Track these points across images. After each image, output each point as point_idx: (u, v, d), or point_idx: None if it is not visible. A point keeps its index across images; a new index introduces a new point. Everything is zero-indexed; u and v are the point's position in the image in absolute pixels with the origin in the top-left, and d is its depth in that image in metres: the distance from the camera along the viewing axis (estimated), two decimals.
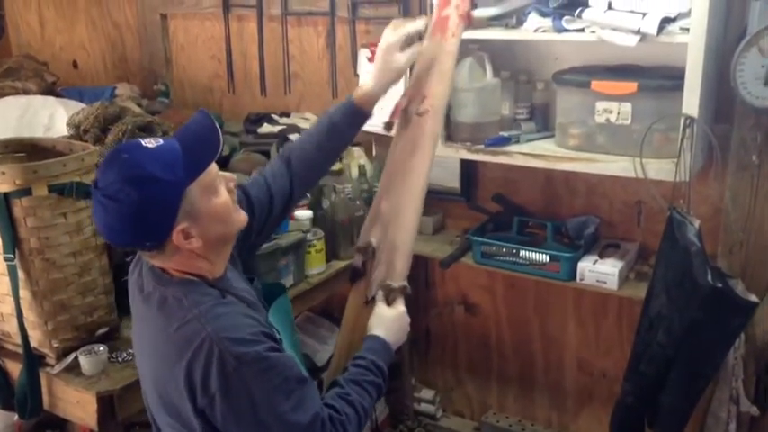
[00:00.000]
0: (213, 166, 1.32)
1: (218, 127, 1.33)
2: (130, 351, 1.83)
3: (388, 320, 1.55)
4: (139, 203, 1.23)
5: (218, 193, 1.33)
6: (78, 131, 2.44)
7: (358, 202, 2.54)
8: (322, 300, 2.56)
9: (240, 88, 3.14)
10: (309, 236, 2.29)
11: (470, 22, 1.80)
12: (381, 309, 1.58)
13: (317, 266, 2.32)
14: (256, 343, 1.26)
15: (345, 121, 1.65)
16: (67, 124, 2.47)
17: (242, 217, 1.40)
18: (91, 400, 1.70)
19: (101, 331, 1.86)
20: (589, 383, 2.69)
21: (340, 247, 2.45)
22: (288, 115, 2.91)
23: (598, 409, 2.66)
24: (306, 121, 2.85)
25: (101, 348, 1.78)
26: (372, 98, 1.65)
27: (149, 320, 1.34)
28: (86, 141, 2.34)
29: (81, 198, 1.73)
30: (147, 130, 2.40)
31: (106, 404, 1.72)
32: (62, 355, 1.79)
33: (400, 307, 1.60)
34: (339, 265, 2.42)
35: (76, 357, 1.77)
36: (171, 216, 1.26)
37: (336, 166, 2.62)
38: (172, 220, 1.26)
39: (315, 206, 2.41)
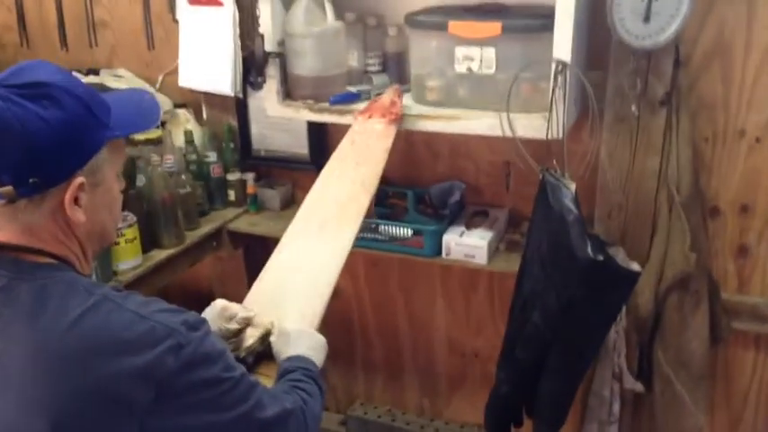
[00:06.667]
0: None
1: (158, 103, 1.16)
2: None
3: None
4: (75, 119, 0.97)
5: (120, 179, 1.10)
6: None
7: (184, 177, 2.11)
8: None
9: (36, 41, 2.61)
10: None
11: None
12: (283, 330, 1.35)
13: (129, 260, 1.88)
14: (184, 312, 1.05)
15: None
16: None
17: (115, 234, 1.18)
18: None
19: None
20: (461, 365, 2.45)
21: (162, 234, 2.02)
22: (96, 72, 2.42)
23: (471, 392, 2.46)
24: (118, 79, 2.36)
25: None
26: None
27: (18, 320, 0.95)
28: None
29: None
30: None
31: None
32: None
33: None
34: (161, 255, 1.99)
35: None
36: (83, 157, 0.99)
37: (154, 133, 2.16)
38: (80, 162, 0.98)
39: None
